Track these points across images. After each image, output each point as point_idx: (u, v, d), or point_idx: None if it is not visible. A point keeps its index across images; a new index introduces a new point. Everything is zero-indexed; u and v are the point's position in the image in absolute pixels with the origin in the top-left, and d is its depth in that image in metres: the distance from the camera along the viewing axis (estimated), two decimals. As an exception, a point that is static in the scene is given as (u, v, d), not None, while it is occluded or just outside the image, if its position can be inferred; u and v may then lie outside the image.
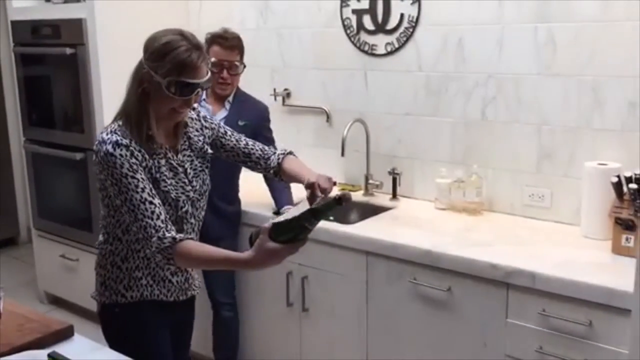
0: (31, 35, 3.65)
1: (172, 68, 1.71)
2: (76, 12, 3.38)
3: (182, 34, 1.77)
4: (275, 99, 3.35)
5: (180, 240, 1.68)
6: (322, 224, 2.55)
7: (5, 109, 4.99)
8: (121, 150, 1.72)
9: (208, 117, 2.02)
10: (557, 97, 2.52)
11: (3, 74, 4.93)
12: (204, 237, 2.69)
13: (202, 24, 3.55)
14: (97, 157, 1.76)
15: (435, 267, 2.29)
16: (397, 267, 2.41)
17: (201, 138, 1.95)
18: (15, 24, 3.77)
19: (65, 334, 1.74)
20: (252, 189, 2.89)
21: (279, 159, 2.07)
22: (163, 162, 1.82)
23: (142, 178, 1.73)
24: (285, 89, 3.34)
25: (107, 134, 1.75)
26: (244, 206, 2.88)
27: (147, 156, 1.77)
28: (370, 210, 2.89)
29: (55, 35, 3.49)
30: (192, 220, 1.93)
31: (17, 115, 4.14)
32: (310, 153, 3.34)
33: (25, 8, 3.74)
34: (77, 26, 3.34)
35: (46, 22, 3.54)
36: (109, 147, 1.72)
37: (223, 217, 2.74)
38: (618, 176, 2.22)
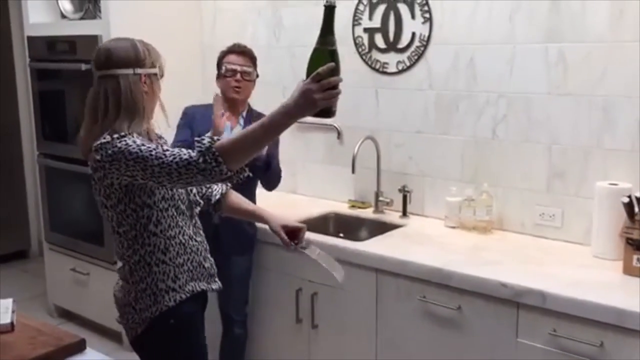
0: (47, 51, 3.70)
1: (151, 55, 1.89)
2: (92, 28, 3.44)
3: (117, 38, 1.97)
4: (286, 116, 3.37)
5: (217, 140, 1.71)
6: (332, 241, 2.53)
7: (20, 123, 5.05)
8: (127, 137, 1.78)
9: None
10: (568, 116, 2.52)
11: (18, 89, 4.99)
12: (218, 253, 2.71)
13: (215, 41, 3.59)
14: (106, 164, 1.77)
15: (445, 285, 2.29)
16: (406, 285, 2.40)
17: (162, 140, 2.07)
18: (32, 40, 3.82)
19: (77, 347, 1.76)
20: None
21: (224, 191, 2.16)
22: None
23: (155, 144, 1.81)
24: (297, 106, 3.36)
25: (105, 138, 1.79)
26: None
27: (147, 138, 1.87)
28: (380, 228, 2.89)
29: (71, 51, 3.54)
30: (201, 201, 2.07)
31: (31, 129, 4.20)
32: (321, 170, 3.36)
33: (42, 24, 3.80)
34: (92, 43, 3.38)
35: (62, 39, 3.59)
36: (119, 140, 1.76)
37: (240, 232, 2.75)
38: (629, 196, 2.22)
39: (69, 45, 3.55)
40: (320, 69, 1.54)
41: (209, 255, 2.06)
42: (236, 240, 2.72)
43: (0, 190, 4.93)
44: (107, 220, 1.94)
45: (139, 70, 1.85)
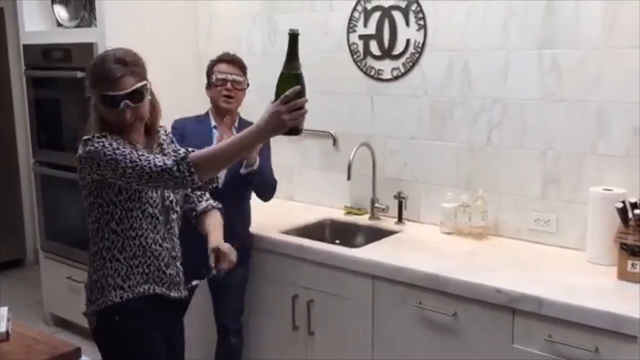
0: (42, 58, 3.71)
1: (95, 82, 1.90)
2: (87, 36, 3.44)
3: (110, 52, 1.94)
4: (282, 123, 3.38)
5: (192, 151, 1.81)
6: (328, 248, 2.55)
7: (15, 131, 5.05)
8: (103, 138, 1.88)
9: (174, 139, 2.19)
10: (562, 122, 2.54)
11: (14, 97, 5.00)
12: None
13: (210, 48, 3.59)
14: (82, 159, 1.89)
15: (441, 292, 2.29)
16: (402, 291, 2.41)
17: (170, 147, 2.12)
18: (27, 48, 3.82)
19: (72, 356, 1.76)
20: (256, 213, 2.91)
21: (205, 207, 2.22)
22: (144, 150, 1.98)
23: (129, 148, 1.88)
24: (292, 113, 3.36)
25: (85, 138, 1.91)
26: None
27: (125, 141, 1.93)
28: (376, 234, 2.89)
29: (67, 59, 3.54)
30: (178, 208, 2.10)
31: (26, 137, 4.19)
32: (317, 176, 3.37)
33: (38, 32, 3.80)
34: (88, 50, 3.39)
35: (57, 46, 3.60)
36: (96, 141, 1.86)
37: (239, 242, 2.75)
38: (623, 202, 2.23)
39: (64, 53, 3.55)
40: (287, 92, 1.69)
41: (177, 264, 2.08)
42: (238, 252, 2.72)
43: (-4, 198, 4.93)
44: (84, 208, 2.04)
45: (98, 92, 1.89)
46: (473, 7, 2.71)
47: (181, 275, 2.10)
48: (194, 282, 2.14)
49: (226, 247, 2.12)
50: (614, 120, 2.42)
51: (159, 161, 1.81)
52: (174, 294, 2.06)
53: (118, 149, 1.85)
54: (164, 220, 2.03)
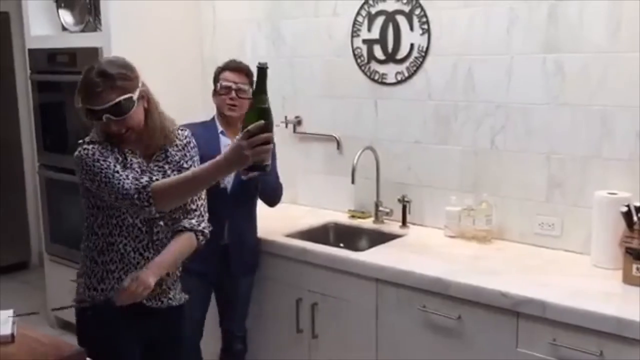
0: (48, 63, 3.73)
1: (78, 94, 1.92)
2: (93, 41, 3.46)
3: (99, 63, 1.94)
4: (286, 127, 3.39)
5: (156, 181, 1.85)
6: (332, 251, 2.55)
7: (20, 135, 5.08)
8: (92, 145, 1.93)
9: (192, 145, 2.13)
10: (566, 126, 2.54)
11: (19, 101, 5.03)
12: (226, 273, 2.69)
13: (215, 54, 3.61)
14: (75, 162, 1.94)
15: (445, 295, 2.30)
16: (406, 295, 2.41)
17: (179, 154, 2.08)
18: (33, 52, 3.85)
19: (77, 359, 1.76)
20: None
21: (179, 228, 2.07)
22: (135, 160, 1.99)
23: (112, 161, 1.91)
24: (297, 117, 3.38)
25: (81, 142, 1.96)
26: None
27: (116, 149, 1.95)
28: (380, 238, 2.90)
29: (72, 63, 3.55)
30: (161, 223, 2.04)
31: (31, 141, 4.21)
32: (321, 180, 3.37)
33: (43, 37, 3.82)
34: (93, 54, 3.40)
35: (63, 51, 3.62)
36: (83, 148, 1.93)
37: (247, 252, 2.76)
38: (628, 206, 2.23)
39: (70, 58, 3.57)
40: (250, 127, 1.64)
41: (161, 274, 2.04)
42: (243, 260, 2.72)
43: (0, 201, 4.94)
44: None
45: (82, 104, 1.92)
46: (477, 12, 2.71)
47: (164, 285, 2.06)
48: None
49: (126, 284, 1.93)
50: (618, 124, 2.41)
51: (128, 184, 1.84)
52: (150, 303, 2.05)
53: (98, 160, 1.89)
54: (148, 230, 2.01)
